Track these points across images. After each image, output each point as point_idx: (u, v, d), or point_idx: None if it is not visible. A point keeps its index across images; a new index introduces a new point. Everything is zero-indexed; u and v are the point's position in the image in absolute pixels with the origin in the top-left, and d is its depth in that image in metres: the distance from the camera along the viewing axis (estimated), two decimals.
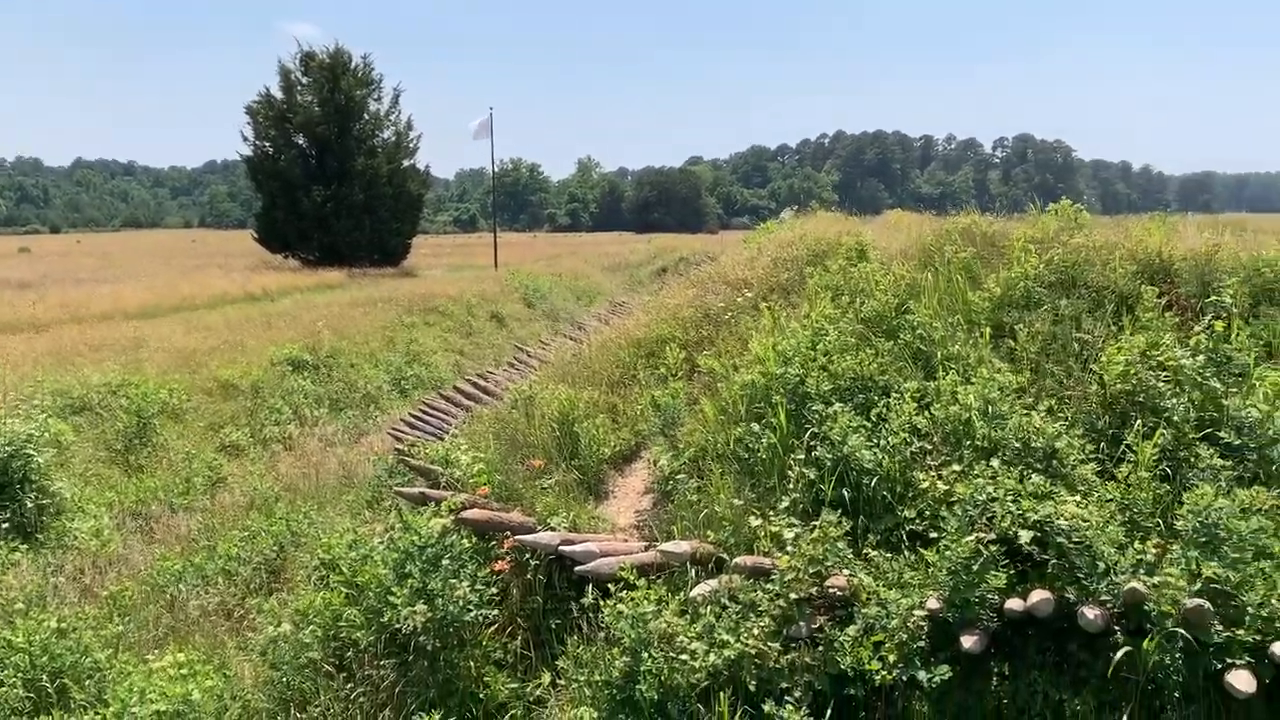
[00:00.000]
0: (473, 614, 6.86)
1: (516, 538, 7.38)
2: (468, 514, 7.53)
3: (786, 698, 5.86)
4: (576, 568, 7.00)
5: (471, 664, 6.88)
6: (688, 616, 6.25)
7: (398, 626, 6.76)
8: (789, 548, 6.37)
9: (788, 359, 8.17)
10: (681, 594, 6.45)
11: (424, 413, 13.77)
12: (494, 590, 7.20)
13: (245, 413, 17.46)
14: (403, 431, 12.86)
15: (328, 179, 46.60)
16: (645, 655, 5.93)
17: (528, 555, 7.33)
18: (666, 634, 6.02)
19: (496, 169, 60.52)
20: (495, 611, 7.14)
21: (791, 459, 7.43)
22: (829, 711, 5.80)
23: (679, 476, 7.98)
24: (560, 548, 7.19)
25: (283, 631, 7.38)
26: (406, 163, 50.59)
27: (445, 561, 7.03)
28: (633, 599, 6.14)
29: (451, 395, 14.38)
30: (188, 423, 16.39)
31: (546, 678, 6.73)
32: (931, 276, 9.19)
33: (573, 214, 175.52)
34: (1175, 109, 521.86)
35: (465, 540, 7.32)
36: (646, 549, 7.26)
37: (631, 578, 6.31)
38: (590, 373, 10.73)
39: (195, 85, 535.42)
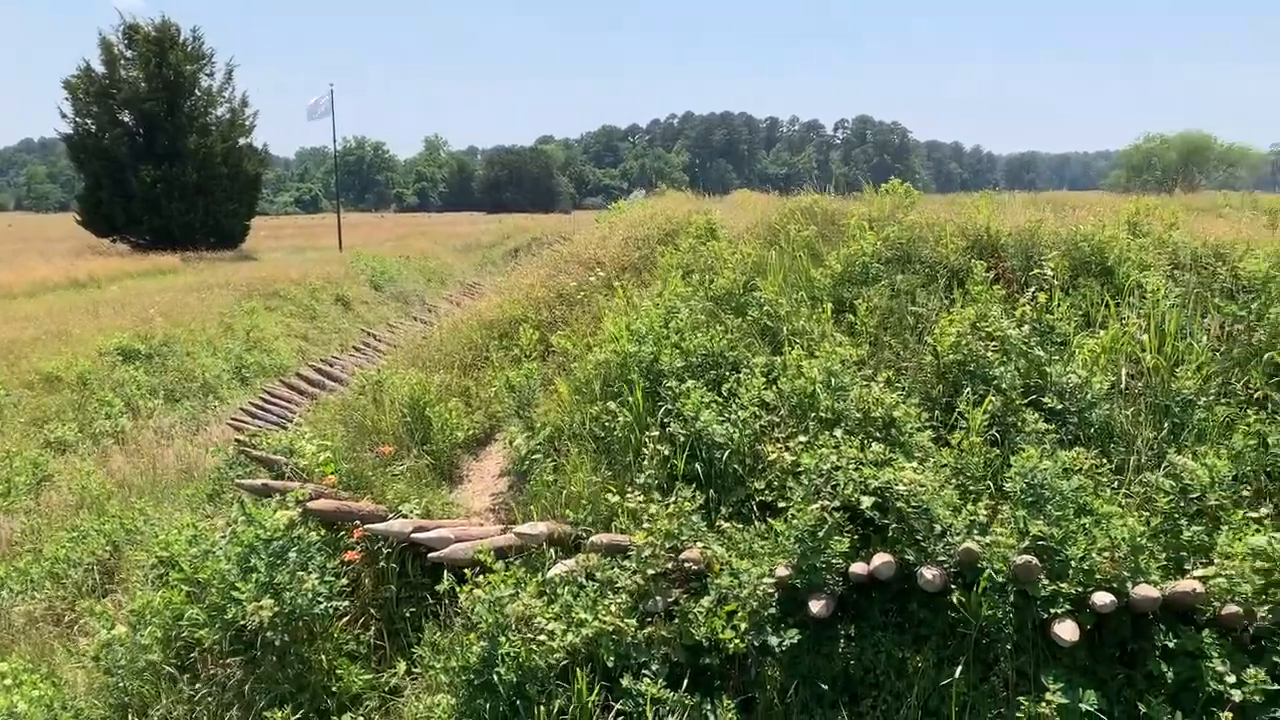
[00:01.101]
0: (323, 606, 6.67)
1: (366, 527, 7.21)
2: (315, 504, 7.30)
3: (644, 671, 5.94)
4: (430, 555, 6.89)
5: (323, 657, 6.69)
6: (545, 597, 6.25)
7: (244, 623, 6.51)
8: (645, 524, 6.44)
9: (641, 337, 8.23)
10: (539, 575, 6.44)
11: (266, 401, 13.27)
12: (345, 581, 7.02)
13: (72, 406, 16.39)
14: (243, 421, 12.36)
15: (158, 158, 44.19)
16: (503, 639, 5.91)
17: (379, 544, 7.17)
18: (524, 616, 6.00)
19: (339, 147, 58.67)
20: (346, 603, 6.96)
21: (647, 436, 7.50)
22: (685, 682, 5.92)
23: (535, 457, 7.95)
24: (413, 535, 7.06)
25: (118, 634, 6.99)
26: (242, 141, 48.57)
27: (293, 554, 6.80)
28: (489, 583, 6.09)
29: (295, 383, 13.90)
30: (7, 419, 15.29)
31: (402, 667, 6.62)
32: (777, 254, 9.43)
33: (421, 194, 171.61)
34: (1003, 93, 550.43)
35: (313, 532, 7.10)
36: (503, 532, 7.20)
37: (490, 561, 6.26)
38: (441, 355, 10.54)
39: (7, 56, 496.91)
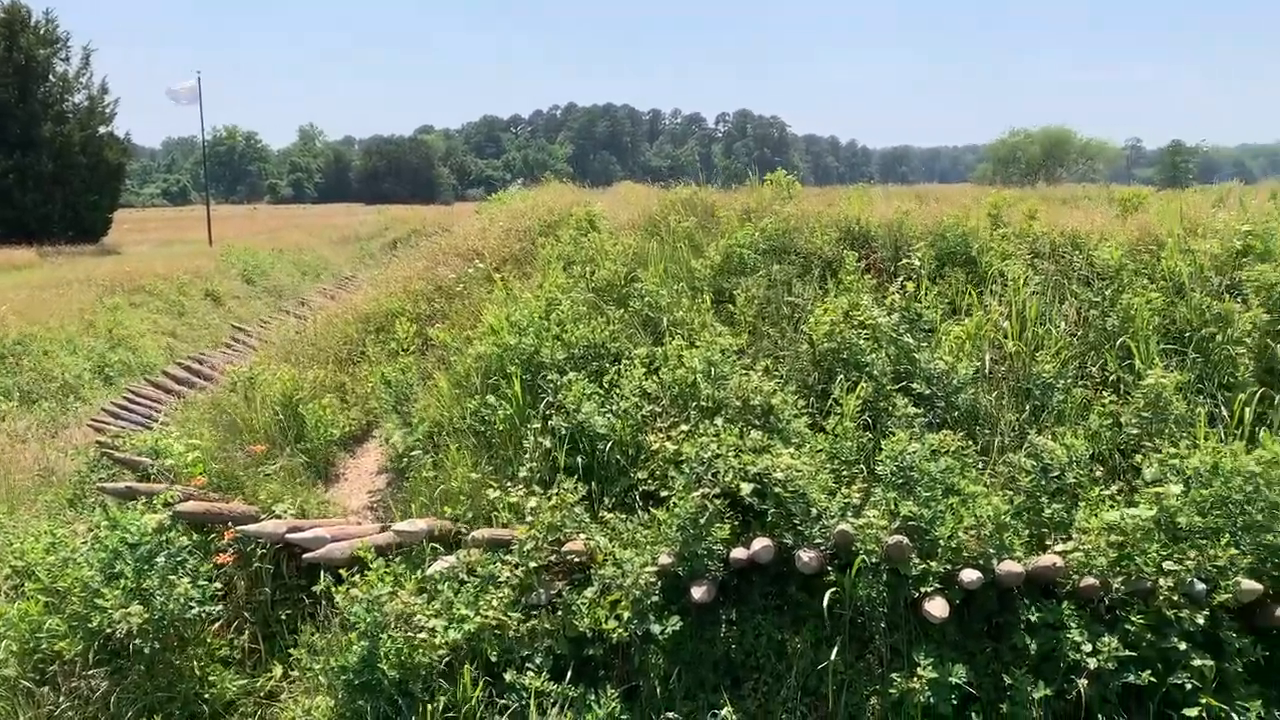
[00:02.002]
0: (195, 611, 6.41)
1: (238, 529, 6.97)
2: (183, 507, 7.02)
3: (528, 665, 5.91)
4: (306, 555, 6.70)
5: (195, 664, 6.43)
6: (426, 595, 6.15)
7: (109, 631, 6.21)
8: (528, 517, 6.40)
9: (522, 330, 8.17)
10: (419, 573, 6.33)
11: (130, 401, 12.66)
12: (217, 585, 6.77)
13: None
14: (106, 422, 11.76)
15: (9, 147, 41.82)
16: (384, 637, 5.79)
17: (252, 546, 6.94)
18: (404, 614, 5.90)
19: (209, 137, 56.44)
20: (219, 608, 6.71)
21: (528, 429, 7.46)
22: (569, 674, 5.91)
23: (414, 454, 7.80)
24: (287, 536, 6.86)
25: None
26: (103, 129, 46.41)
27: (161, 559, 6.51)
28: (366, 582, 5.96)
29: (162, 381, 13.30)
30: None
31: (278, 670, 6.43)
32: (658, 246, 9.49)
33: (296, 185, 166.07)
34: (876, 89, 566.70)
35: (183, 535, 6.82)
36: (382, 530, 7.06)
37: (370, 558, 6.13)
38: (316, 351, 10.26)
39: None
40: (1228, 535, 5.79)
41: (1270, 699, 5.46)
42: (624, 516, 6.73)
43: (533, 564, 6.18)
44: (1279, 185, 17.44)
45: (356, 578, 6.01)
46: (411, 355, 9.04)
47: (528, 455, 7.24)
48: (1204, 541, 5.80)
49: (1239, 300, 7.81)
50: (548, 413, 7.52)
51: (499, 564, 6.29)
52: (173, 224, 64.45)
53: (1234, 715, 5.35)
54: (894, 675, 5.74)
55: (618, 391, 7.52)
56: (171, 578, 6.39)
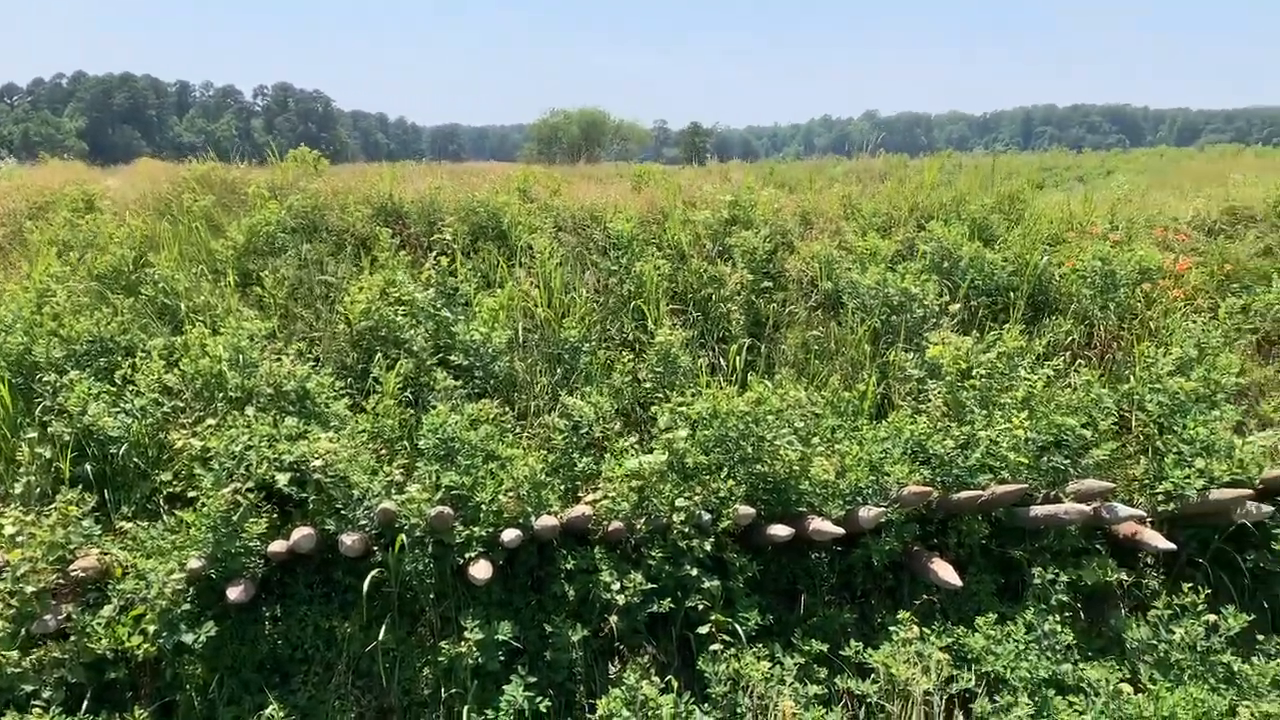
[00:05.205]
0: None
1: None
2: None
3: (34, 701, 5.24)
4: None
5: None
6: None
7: None
8: (20, 539, 5.63)
9: (8, 326, 7.13)
10: None
11: None
12: None
13: None
14: None
15: None
16: None
17: None
18: None
19: None
20: None
21: (22, 439, 6.55)
22: (85, 702, 5.33)
23: None
24: None
25: None
26: None
27: None
28: None
29: None
30: None
31: None
32: (171, 226, 8.70)
33: None
34: (426, 67, 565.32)
35: None
36: None
37: None
38: None
39: None
40: (726, 469, 6.59)
41: (764, 606, 6.31)
42: (146, 524, 6.17)
43: (29, 589, 5.45)
44: (777, 163, 19.96)
45: None
46: None
47: (23, 469, 6.36)
48: (708, 477, 6.55)
49: (729, 263, 8.86)
50: (46, 419, 6.66)
51: None
52: None
53: (738, 626, 6.12)
54: (443, 644, 5.85)
55: (132, 388, 6.83)
56: None
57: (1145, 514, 6.80)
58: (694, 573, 6.19)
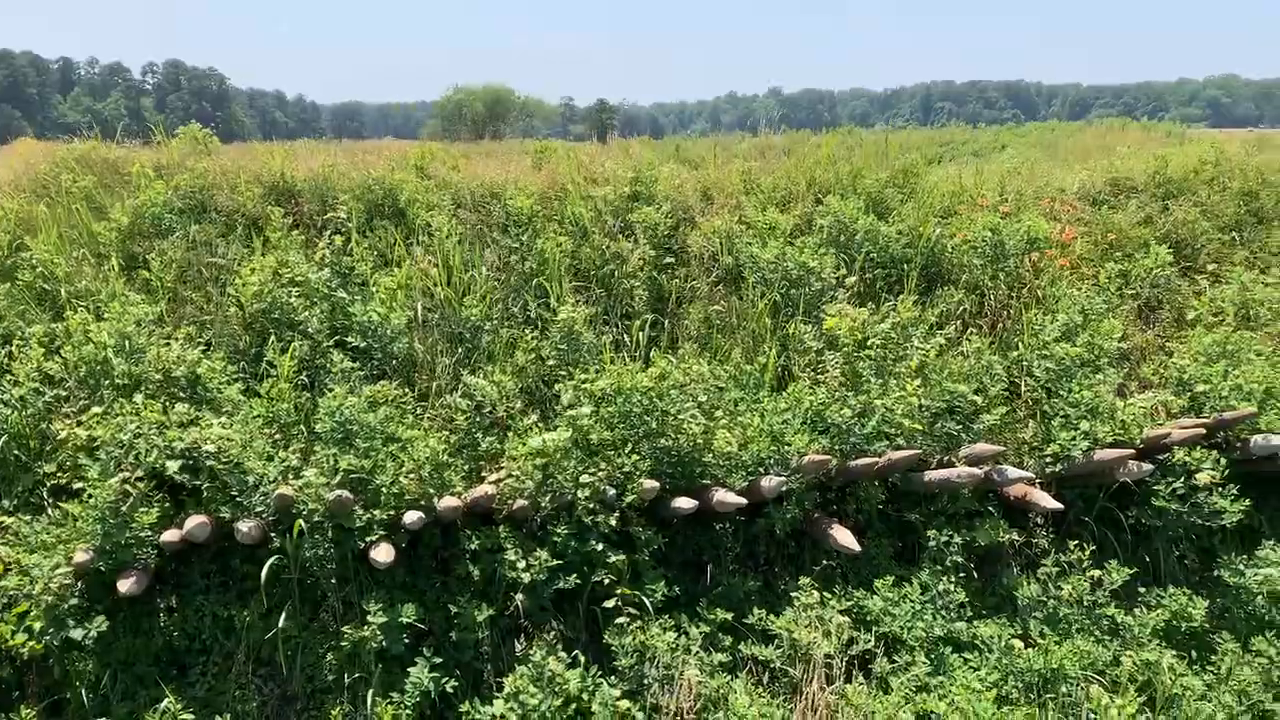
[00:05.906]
0: None
1: None
2: None
3: None
4: None
5: None
6: None
7: None
8: None
9: None
10: None
11: None
12: None
13: None
14: None
15: None
16: None
17: None
18: None
19: None
20: None
21: None
22: None
23: None
24: None
25: None
26: None
27: None
28: None
29: None
30: None
31: None
32: (49, 208, 8.33)
33: None
34: (324, 46, 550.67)
35: None
36: None
37: None
38: None
39: None
40: (631, 444, 6.62)
41: (670, 579, 6.38)
42: (29, 519, 5.95)
43: None
44: (680, 140, 20.02)
45: None
46: None
47: None
48: (613, 453, 6.57)
49: (631, 240, 8.87)
50: None
51: None
52: None
53: (644, 599, 6.17)
54: (345, 629, 5.78)
55: (10, 378, 6.55)
56: None
57: (1034, 475, 7.07)
58: (600, 548, 6.21)
